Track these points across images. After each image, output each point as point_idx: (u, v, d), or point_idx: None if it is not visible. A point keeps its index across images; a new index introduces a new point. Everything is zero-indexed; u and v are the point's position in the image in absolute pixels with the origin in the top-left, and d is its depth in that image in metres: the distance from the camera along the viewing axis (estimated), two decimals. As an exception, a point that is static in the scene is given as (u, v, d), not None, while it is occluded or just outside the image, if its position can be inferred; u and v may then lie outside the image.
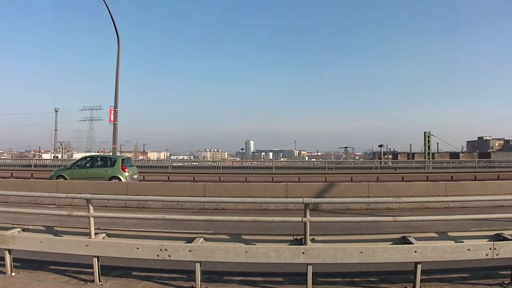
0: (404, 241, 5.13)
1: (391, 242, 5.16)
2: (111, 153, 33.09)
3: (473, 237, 5.32)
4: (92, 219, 5.30)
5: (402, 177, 23.11)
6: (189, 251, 4.90)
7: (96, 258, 5.16)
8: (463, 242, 5.07)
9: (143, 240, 5.29)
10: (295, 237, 5.28)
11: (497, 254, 4.72)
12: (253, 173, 25.93)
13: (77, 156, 78.95)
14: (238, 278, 5.43)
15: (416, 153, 56.16)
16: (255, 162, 40.86)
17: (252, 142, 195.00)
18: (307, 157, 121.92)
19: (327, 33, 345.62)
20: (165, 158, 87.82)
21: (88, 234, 5.29)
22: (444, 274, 5.40)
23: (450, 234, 5.33)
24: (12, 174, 25.83)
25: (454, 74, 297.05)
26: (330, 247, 4.88)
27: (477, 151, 65.89)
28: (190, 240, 5.26)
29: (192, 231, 6.73)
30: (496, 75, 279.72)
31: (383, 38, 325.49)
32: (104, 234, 5.54)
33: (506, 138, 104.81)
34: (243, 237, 5.36)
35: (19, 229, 5.67)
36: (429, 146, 32.33)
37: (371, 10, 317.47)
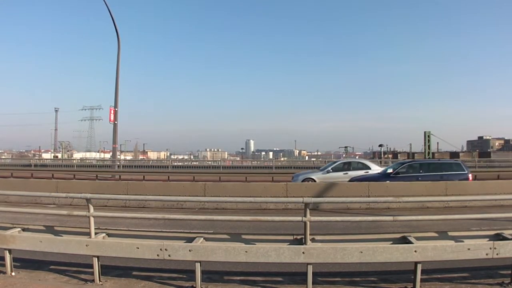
0: (404, 240, 5.13)
1: (391, 242, 5.16)
2: (111, 153, 32.98)
3: (473, 236, 5.31)
4: (92, 219, 5.30)
5: (402, 177, 23.03)
6: (189, 250, 4.90)
7: (96, 258, 5.15)
8: (463, 241, 5.07)
9: (143, 240, 5.29)
10: (295, 236, 5.28)
11: (497, 254, 4.72)
12: (253, 172, 25.92)
13: (77, 155, 79.17)
14: (238, 278, 5.43)
15: (416, 152, 56.23)
16: (255, 162, 40.92)
17: (252, 142, 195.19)
18: (307, 157, 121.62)
19: (327, 33, 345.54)
20: (165, 157, 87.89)
21: (88, 234, 5.29)
22: (444, 274, 5.40)
23: (450, 233, 5.33)
24: (12, 173, 25.81)
25: (454, 74, 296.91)
26: (330, 246, 4.88)
27: (477, 150, 65.98)
28: (190, 240, 5.26)
29: (192, 231, 6.74)
30: (496, 75, 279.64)
31: (383, 39, 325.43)
32: (104, 234, 5.54)
33: (506, 138, 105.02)
34: (243, 236, 5.36)
35: (19, 229, 5.67)
36: (429, 146, 32.33)
37: (371, 11, 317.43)
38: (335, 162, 19.39)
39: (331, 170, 17.61)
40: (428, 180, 13.99)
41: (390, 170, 15.90)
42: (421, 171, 15.32)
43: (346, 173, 17.02)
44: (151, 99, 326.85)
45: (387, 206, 11.62)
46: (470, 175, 14.84)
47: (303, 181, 16.86)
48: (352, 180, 15.61)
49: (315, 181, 16.64)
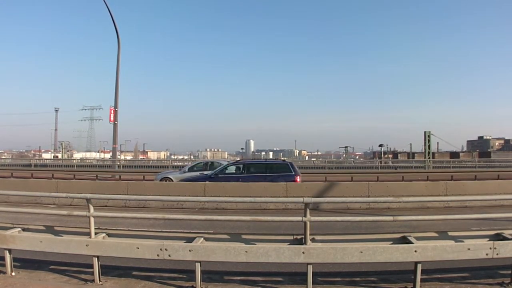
0: (404, 240, 5.12)
1: (391, 242, 5.16)
2: (111, 153, 32.96)
3: (473, 236, 5.31)
4: (92, 219, 5.30)
5: (402, 177, 23.08)
6: (189, 250, 4.90)
7: (96, 258, 5.16)
8: (463, 241, 5.07)
9: (143, 240, 5.29)
10: (295, 236, 5.27)
11: (497, 254, 4.72)
12: (253, 172, 25.84)
13: (77, 155, 79.14)
14: (238, 278, 5.43)
15: (416, 152, 56.28)
16: (255, 162, 40.75)
17: (252, 142, 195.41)
18: (307, 157, 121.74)
19: (327, 33, 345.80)
20: (165, 157, 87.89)
21: (88, 234, 5.29)
22: (444, 274, 5.40)
23: (450, 233, 5.33)
24: (12, 174, 25.83)
25: (454, 74, 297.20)
26: (330, 246, 4.88)
27: (477, 150, 65.98)
28: (190, 240, 5.26)
29: (192, 231, 6.73)
30: (496, 75, 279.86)
31: (383, 39, 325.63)
32: (104, 234, 5.54)
33: (506, 138, 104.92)
34: (243, 236, 5.36)
35: (19, 229, 5.67)
36: (429, 146, 32.30)
37: (371, 11, 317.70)
38: (195, 162, 19.82)
39: (187, 170, 17.93)
40: (251, 181, 13.85)
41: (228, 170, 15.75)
42: (243, 172, 15.18)
43: (202, 173, 16.98)
44: (151, 99, 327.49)
45: (387, 206, 11.61)
46: (298, 177, 14.68)
47: (161, 180, 17.09)
48: (180, 180, 15.93)
49: (172, 180, 16.91)
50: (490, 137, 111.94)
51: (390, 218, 5.34)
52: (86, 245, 5.13)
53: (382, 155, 53.71)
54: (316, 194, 12.73)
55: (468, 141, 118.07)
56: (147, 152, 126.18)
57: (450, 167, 28.56)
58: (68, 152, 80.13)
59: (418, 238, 5.12)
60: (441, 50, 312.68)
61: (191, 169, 18.19)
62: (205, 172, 16.85)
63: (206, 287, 5.07)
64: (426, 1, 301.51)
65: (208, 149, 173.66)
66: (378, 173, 25.00)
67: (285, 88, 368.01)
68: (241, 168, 15.50)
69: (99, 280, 5.21)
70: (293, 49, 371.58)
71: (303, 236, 5.04)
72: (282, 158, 22.47)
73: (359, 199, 10.72)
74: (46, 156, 77.22)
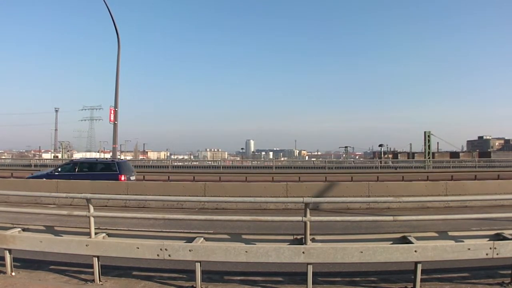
0: (404, 240, 5.13)
1: (391, 242, 5.16)
2: (111, 153, 32.89)
3: (473, 236, 5.31)
4: (92, 219, 5.30)
5: (402, 177, 23.09)
6: (189, 250, 4.91)
7: (96, 258, 5.16)
8: (463, 241, 5.07)
9: (143, 240, 5.29)
10: (295, 236, 5.27)
11: (497, 254, 4.72)
12: (253, 172, 25.93)
13: (78, 155, 79.09)
14: (238, 278, 5.43)
15: (416, 152, 56.17)
16: (255, 162, 40.91)
17: (252, 142, 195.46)
18: (307, 157, 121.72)
19: (327, 33, 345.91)
20: (165, 157, 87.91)
21: (88, 234, 5.29)
22: (444, 274, 5.40)
23: (450, 233, 5.33)
24: (12, 174, 25.82)
25: (454, 74, 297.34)
26: (330, 246, 4.88)
27: (477, 150, 65.91)
28: (190, 240, 5.26)
29: (192, 231, 6.73)
30: (496, 75, 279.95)
31: (383, 39, 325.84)
32: (104, 234, 5.54)
33: (506, 138, 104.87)
34: (243, 236, 5.36)
35: (19, 229, 5.67)
36: (429, 146, 32.31)
37: (371, 11, 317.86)
38: (65, 161, 20.30)
39: (59, 169, 17.88)
40: (80, 179, 14.48)
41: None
42: (75, 170, 15.88)
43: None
44: (151, 99, 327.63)
45: (387, 206, 11.62)
46: (122, 176, 15.29)
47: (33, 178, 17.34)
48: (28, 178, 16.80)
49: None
50: (490, 137, 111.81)
51: (390, 218, 5.34)
52: (86, 245, 5.13)
53: (382, 155, 53.70)
54: (316, 194, 12.73)
55: (468, 141, 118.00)
56: (147, 152, 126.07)
57: (450, 167, 28.58)
58: (68, 152, 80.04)
59: (418, 238, 5.13)
60: (441, 50, 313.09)
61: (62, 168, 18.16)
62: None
63: (206, 287, 5.07)
64: (426, 1, 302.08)
65: (208, 149, 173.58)
66: (378, 173, 25.02)
67: (285, 88, 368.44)
68: (75, 167, 16.28)
69: (99, 280, 5.21)
70: (293, 49, 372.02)
71: (303, 236, 5.04)
72: (282, 159, 22.49)
73: (359, 199, 10.73)
74: (46, 156, 77.13)
